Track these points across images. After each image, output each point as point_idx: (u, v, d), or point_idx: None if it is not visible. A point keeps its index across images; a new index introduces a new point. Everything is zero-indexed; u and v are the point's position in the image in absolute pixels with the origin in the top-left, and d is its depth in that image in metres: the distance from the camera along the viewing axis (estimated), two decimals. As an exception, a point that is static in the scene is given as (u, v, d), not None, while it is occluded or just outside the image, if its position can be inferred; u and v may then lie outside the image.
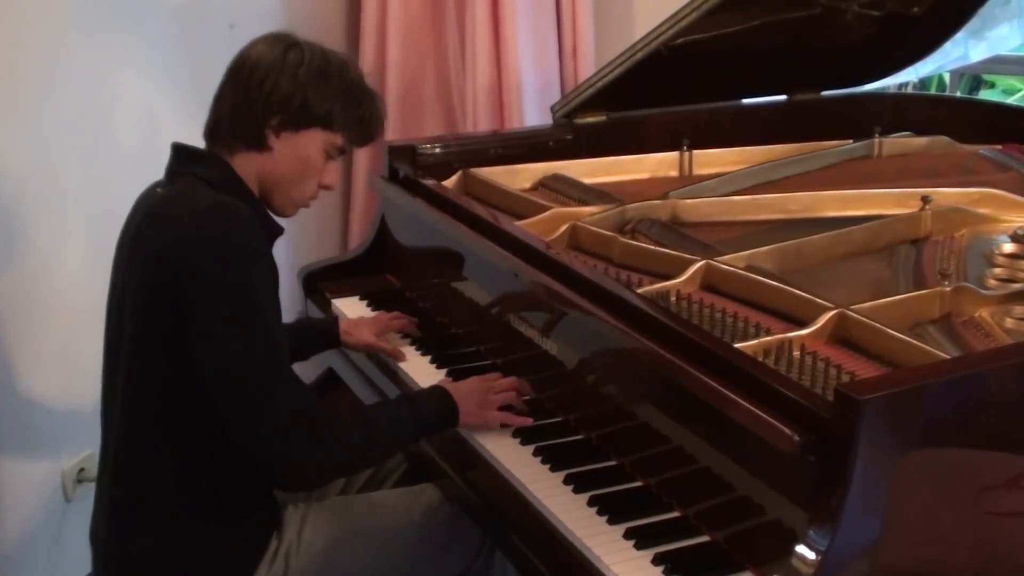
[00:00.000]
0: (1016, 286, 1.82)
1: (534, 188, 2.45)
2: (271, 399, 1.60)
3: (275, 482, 1.76)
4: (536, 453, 1.76)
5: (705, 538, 1.54)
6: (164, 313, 1.63)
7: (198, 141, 1.82)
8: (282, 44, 1.75)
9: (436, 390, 1.84)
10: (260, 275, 1.64)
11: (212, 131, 1.77)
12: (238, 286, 1.61)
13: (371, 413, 1.80)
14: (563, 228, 2.11)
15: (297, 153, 1.75)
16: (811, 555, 1.29)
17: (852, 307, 1.68)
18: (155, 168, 1.83)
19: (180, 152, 1.78)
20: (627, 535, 1.55)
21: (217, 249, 1.62)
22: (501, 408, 1.84)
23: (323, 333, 2.17)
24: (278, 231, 1.80)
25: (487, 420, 1.82)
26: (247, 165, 1.75)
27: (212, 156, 1.76)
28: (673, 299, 1.81)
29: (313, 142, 1.76)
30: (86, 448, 2.48)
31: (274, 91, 1.72)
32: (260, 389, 1.60)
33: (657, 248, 2.02)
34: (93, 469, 2.47)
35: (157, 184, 1.78)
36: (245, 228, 1.64)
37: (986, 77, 3.83)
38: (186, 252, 1.62)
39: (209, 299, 1.61)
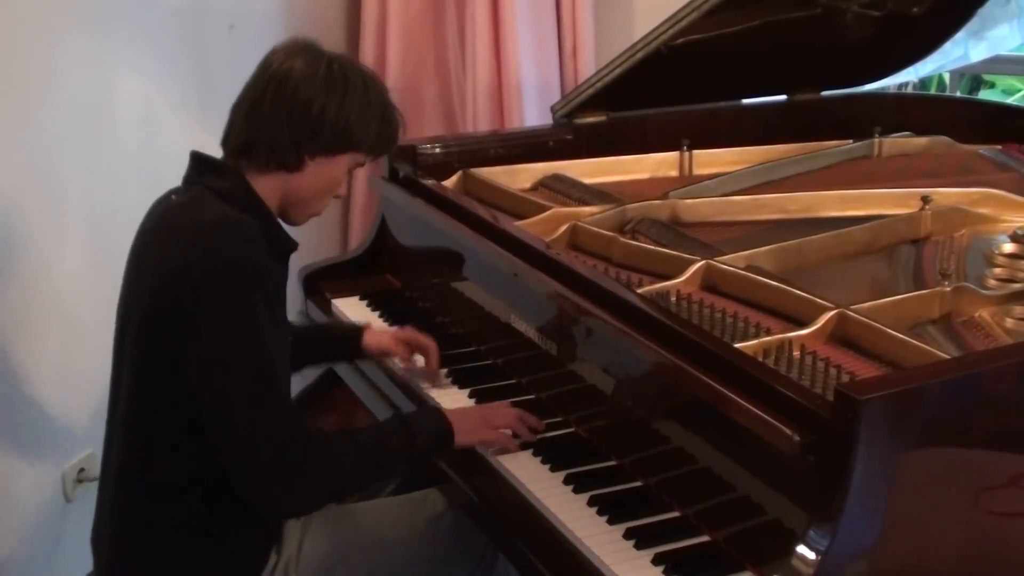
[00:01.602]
0: (1016, 286, 1.82)
1: (534, 188, 2.44)
2: (260, 427, 1.58)
3: (257, 511, 1.69)
4: (536, 453, 1.76)
5: (705, 538, 1.54)
6: (167, 326, 1.61)
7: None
8: (321, 62, 1.70)
9: (430, 411, 1.82)
10: (261, 294, 1.61)
11: (242, 148, 1.71)
12: (236, 304, 1.58)
13: (362, 439, 1.70)
14: (563, 228, 2.11)
15: (326, 173, 1.74)
16: (811, 555, 1.29)
17: (852, 307, 1.68)
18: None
19: (197, 161, 1.75)
20: (627, 535, 1.55)
21: (218, 265, 1.59)
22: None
23: (348, 339, 2.12)
24: (292, 246, 1.77)
25: (483, 438, 1.78)
26: (272, 183, 1.72)
27: (227, 167, 1.72)
28: (673, 299, 1.81)
29: (343, 163, 1.75)
30: (86, 448, 2.48)
31: (321, 117, 1.68)
32: (248, 418, 1.58)
33: (657, 248, 2.02)
34: (93, 469, 2.47)
35: (173, 191, 1.76)
36: (248, 245, 1.61)
37: (986, 77, 3.83)
38: (187, 266, 1.60)
39: (207, 317, 1.58)
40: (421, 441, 1.74)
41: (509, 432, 1.79)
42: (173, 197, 1.74)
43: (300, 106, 1.68)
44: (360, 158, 1.78)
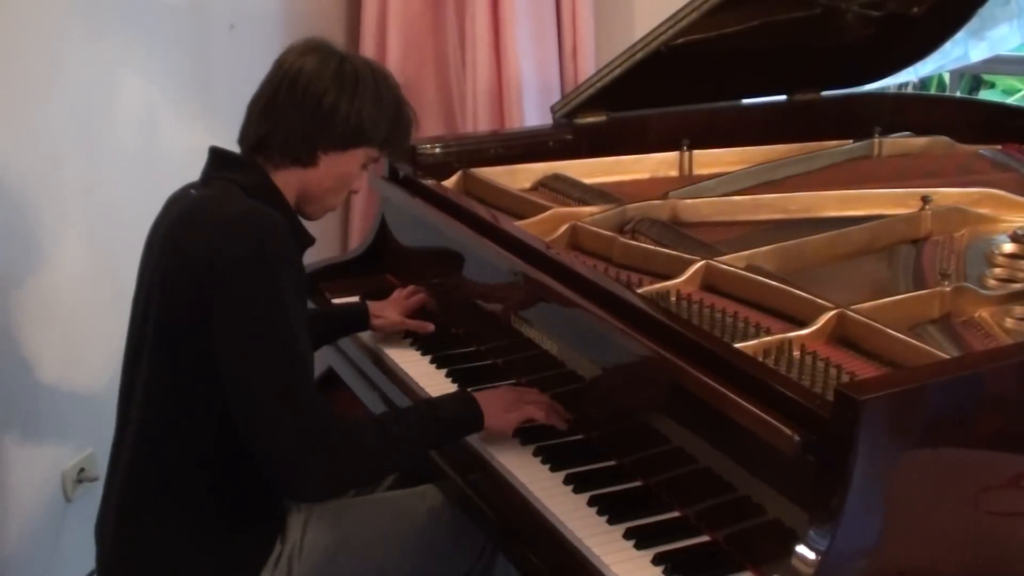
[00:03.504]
0: (1016, 286, 1.82)
1: (534, 188, 2.44)
2: (289, 412, 1.61)
3: (290, 494, 1.75)
4: (536, 453, 1.76)
5: (705, 538, 1.54)
6: (191, 317, 1.63)
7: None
8: (333, 59, 1.74)
9: (460, 394, 1.83)
10: (289, 284, 1.64)
11: (257, 143, 1.75)
12: (266, 295, 1.62)
13: (389, 421, 1.74)
14: (563, 228, 2.11)
15: (340, 168, 1.78)
16: (811, 555, 1.29)
17: (852, 307, 1.68)
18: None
19: (216, 156, 1.78)
20: (627, 535, 1.55)
21: (248, 257, 1.62)
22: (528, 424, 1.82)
23: (354, 317, 2.20)
24: (310, 241, 1.81)
25: (511, 422, 1.80)
26: (288, 178, 1.76)
27: (249, 162, 1.76)
28: (673, 299, 1.81)
29: (356, 158, 1.79)
30: (86, 448, 2.49)
31: (333, 113, 1.72)
32: (279, 402, 1.61)
33: (657, 248, 2.02)
34: (93, 469, 2.48)
35: (191, 185, 1.79)
36: (277, 237, 1.65)
37: (986, 77, 3.82)
38: (217, 258, 1.62)
39: (237, 307, 1.62)
40: (450, 427, 1.76)
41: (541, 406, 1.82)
42: (192, 191, 1.77)
43: (312, 102, 1.72)
44: (373, 153, 1.81)
